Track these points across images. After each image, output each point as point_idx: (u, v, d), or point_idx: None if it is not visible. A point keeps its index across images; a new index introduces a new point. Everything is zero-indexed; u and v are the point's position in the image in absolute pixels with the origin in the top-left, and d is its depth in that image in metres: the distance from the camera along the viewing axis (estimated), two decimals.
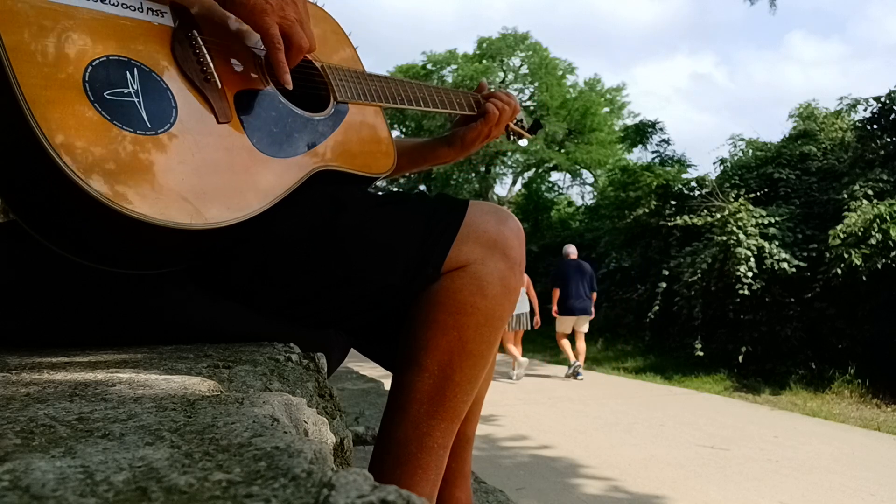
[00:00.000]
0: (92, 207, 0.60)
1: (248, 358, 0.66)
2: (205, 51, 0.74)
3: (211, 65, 0.74)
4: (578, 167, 19.24)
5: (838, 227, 6.97)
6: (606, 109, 20.11)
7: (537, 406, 5.95)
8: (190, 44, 0.74)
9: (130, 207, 0.61)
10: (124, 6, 0.70)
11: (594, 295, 7.63)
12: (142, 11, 0.72)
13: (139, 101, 0.66)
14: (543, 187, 19.81)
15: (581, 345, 7.61)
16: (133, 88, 0.66)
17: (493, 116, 1.13)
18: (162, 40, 0.72)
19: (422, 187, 19.00)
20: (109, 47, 0.67)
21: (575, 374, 7.53)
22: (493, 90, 1.20)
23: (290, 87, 0.78)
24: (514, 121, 1.27)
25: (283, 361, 0.69)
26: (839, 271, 6.87)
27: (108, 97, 0.64)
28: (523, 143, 1.36)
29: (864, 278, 6.72)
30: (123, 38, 0.68)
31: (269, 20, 0.75)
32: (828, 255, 7.10)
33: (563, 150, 18.99)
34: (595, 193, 17.45)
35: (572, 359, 7.60)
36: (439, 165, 1.22)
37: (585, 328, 7.65)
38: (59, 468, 0.30)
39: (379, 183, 1.10)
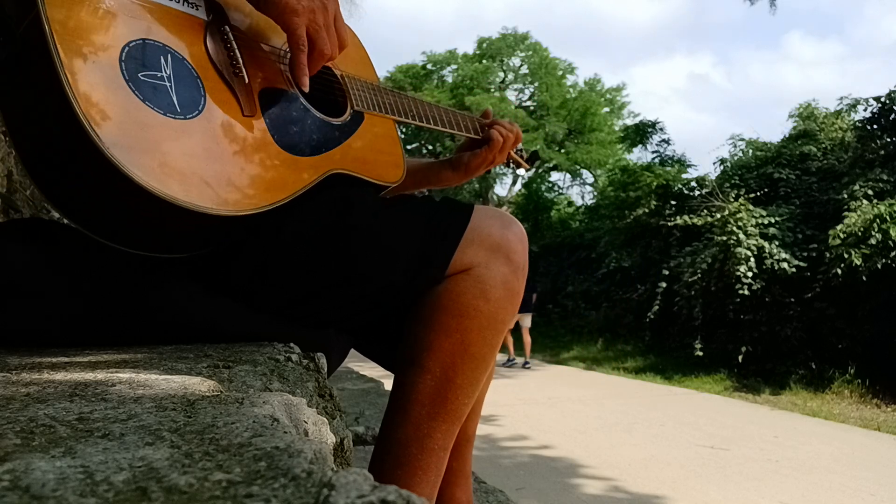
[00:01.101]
0: (116, 181, 0.62)
1: (248, 358, 0.66)
2: (235, 46, 0.76)
3: (240, 60, 0.76)
4: (578, 167, 19.23)
5: (838, 227, 6.97)
6: (606, 109, 20.11)
7: (537, 406, 5.96)
8: (222, 38, 0.76)
9: (155, 185, 0.62)
10: None
11: (534, 296, 9.26)
12: (178, 3, 0.74)
13: (171, 86, 0.68)
14: (543, 187, 19.79)
15: (527, 338, 9.14)
16: (166, 73, 0.68)
17: (497, 143, 1.16)
18: (196, 32, 0.74)
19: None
20: (147, 31, 0.69)
21: (524, 365, 8.98)
22: (496, 118, 1.23)
23: (307, 89, 0.80)
24: (515, 149, 1.30)
25: (283, 361, 0.69)
26: (839, 271, 6.87)
27: (143, 78, 0.66)
28: (521, 172, 1.40)
29: (864, 278, 6.72)
30: (160, 25, 0.71)
31: (299, 21, 0.77)
32: (828, 255, 7.10)
33: (563, 150, 18.99)
34: (595, 193, 17.45)
35: (512, 352, 9.28)
36: (442, 188, 1.25)
37: (528, 323, 9.18)
38: (59, 468, 0.30)
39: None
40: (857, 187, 7.39)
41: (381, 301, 0.80)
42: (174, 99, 0.67)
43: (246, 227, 0.74)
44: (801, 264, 7.54)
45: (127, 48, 0.66)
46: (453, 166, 1.19)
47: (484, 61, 19.77)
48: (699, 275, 8.19)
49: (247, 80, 0.76)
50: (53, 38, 0.60)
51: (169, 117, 0.66)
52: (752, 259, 7.74)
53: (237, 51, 0.76)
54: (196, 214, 0.66)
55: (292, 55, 0.79)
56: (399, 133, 1.02)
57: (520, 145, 1.30)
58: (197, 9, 0.76)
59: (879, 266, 6.57)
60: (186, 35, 0.73)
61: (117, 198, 0.65)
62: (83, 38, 0.63)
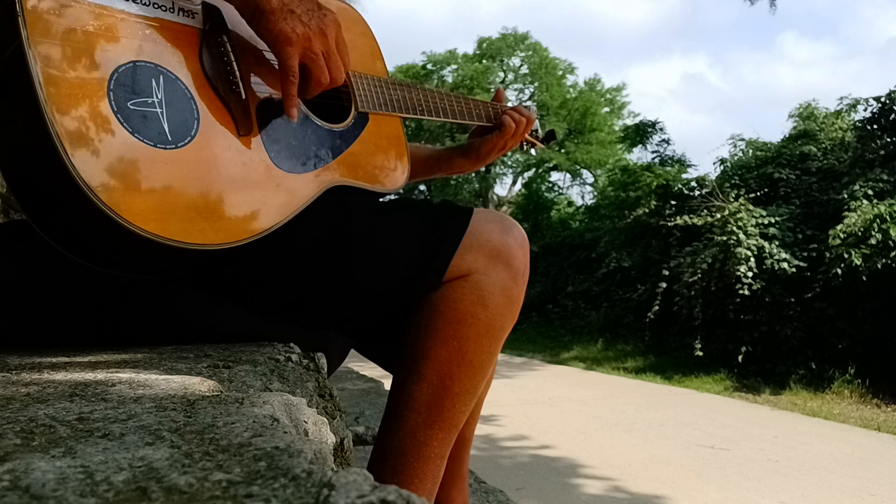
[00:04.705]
0: (103, 221, 0.60)
1: (248, 358, 0.66)
2: (232, 58, 0.73)
3: (238, 74, 0.73)
4: (578, 167, 19.23)
5: (838, 227, 6.96)
6: (606, 109, 20.11)
7: (537, 406, 5.95)
8: (218, 50, 0.73)
9: (143, 227, 0.61)
10: (156, 6, 0.69)
11: None
12: (173, 12, 0.71)
13: (162, 112, 0.65)
14: (543, 187, 19.78)
15: None
16: (157, 98, 0.66)
17: (508, 129, 1.14)
18: (191, 44, 0.71)
19: (421, 187, 19.00)
20: (137, 52, 0.66)
21: None
22: (509, 103, 1.21)
23: (295, 119, 0.77)
24: (530, 132, 1.28)
25: (283, 361, 0.69)
26: (839, 271, 6.87)
27: (132, 107, 0.63)
28: (533, 152, 1.38)
29: (864, 278, 6.72)
30: (152, 41, 0.67)
31: (291, 51, 0.73)
32: (828, 255, 7.09)
33: (563, 150, 18.99)
34: (595, 193, 17.44)
35: None
36: (455, 175, 1.23)
37: None
38: (59, 468, 0.30)
39: None
40: (857, 187, 7.39)
41: (381, 304, 0.80)
42: (165, 127, 0.65)
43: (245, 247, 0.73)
44: (801, 264, 7.53)
45: (116, 74, 0.63)
46: (464, 153, 1.17)
47: (484, 61, 19.76)
48: (699, 275, 8.18)
49: (244, 96, 0.73)
50: (36, 69, 0.57)
51: (160, 149, 0.64)
52: (752, 259, 7.73)
53: (234, 63, 0.73)
54: (188, 251, 0.65)
55: (282, 85, 0.75)
56: (405, 130, 1.00)
57: (535, 125, 1.27)
58: (193, 17, 0.72)
59: (879, 266, 6.57)
60: (181, 49, 0.70)
61: (105, 235, 0.63)
62: (70, 68, 0.60)
